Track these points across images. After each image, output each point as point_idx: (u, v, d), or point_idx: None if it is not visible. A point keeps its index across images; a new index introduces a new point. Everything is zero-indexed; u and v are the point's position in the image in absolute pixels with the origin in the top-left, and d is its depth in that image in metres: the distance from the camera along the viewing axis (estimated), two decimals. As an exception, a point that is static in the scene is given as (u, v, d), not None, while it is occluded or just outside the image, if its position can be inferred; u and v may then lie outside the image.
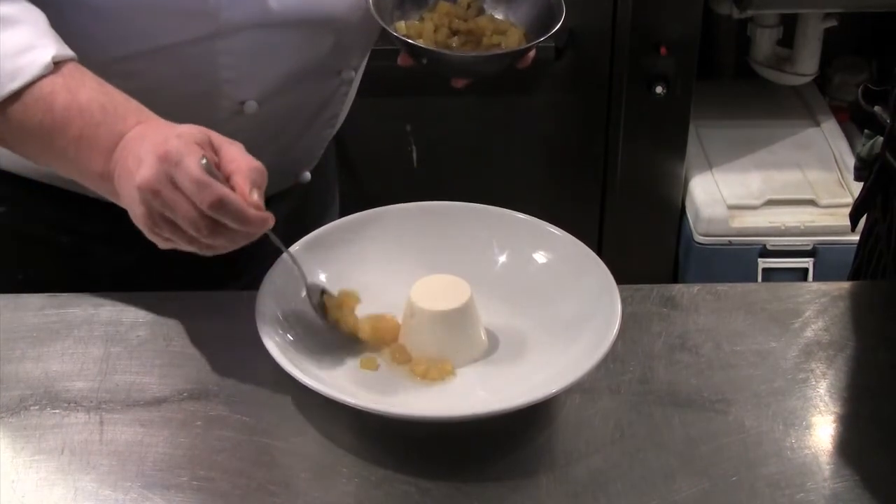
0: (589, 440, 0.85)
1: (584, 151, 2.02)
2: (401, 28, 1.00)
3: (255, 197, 0.80)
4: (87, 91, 0.86)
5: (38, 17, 0.88)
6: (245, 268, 1.06)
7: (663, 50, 1.89)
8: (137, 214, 0.82)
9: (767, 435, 0.86)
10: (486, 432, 0.85)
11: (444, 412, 0.85)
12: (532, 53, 1.00)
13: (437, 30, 1.01)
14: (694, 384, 0.91)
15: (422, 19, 1.02)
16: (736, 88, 2.24)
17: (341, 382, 0.87)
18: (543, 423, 0.87)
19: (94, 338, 0.95)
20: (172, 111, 0.99)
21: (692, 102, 1.96)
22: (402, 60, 1.01)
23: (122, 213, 1.05)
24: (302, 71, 1.01)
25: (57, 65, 0.86)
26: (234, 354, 0.93)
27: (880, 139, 1.18)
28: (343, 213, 1.02)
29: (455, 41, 1.01)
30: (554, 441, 0.86)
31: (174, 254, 1.08)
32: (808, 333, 0.97)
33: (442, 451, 0.85)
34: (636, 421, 0.87)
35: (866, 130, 1.22)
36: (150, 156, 0.79)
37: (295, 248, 0.95)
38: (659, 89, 1.91)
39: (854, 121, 1.24)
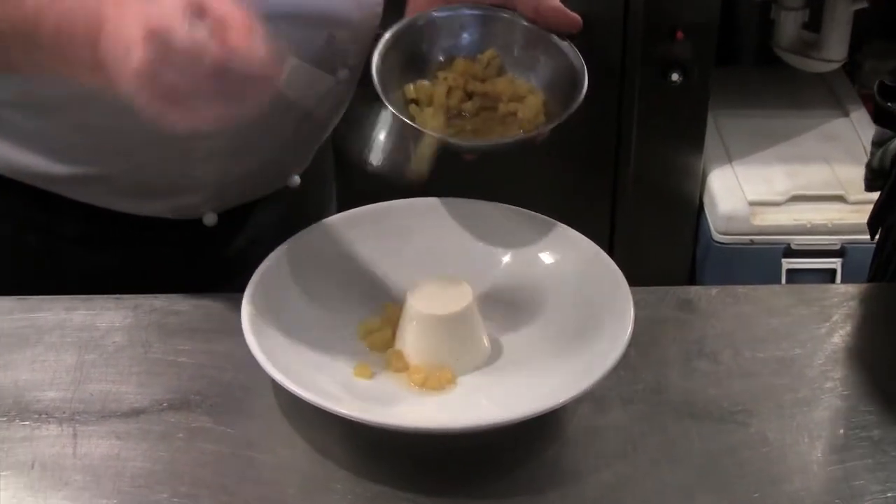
0: (599, 454, 0.86)
1: (595, 144, 2.03)
2: (409, 91, 0.97)
3: (257, 44, 0.79)
4: None
5: None
6: (233, 271, 1.07)
7: (679, 34, 1.89)
8: (142, 105, 0.80)
9: (791, 448, 0.86)
10: (488, 445, 0.86)
11: (443, 424, 0.86)
12: (548, 130, 0.97)
13: (451, 92, 0.97)
14: (712, 394, 0.91)
15: (436, 77, 0.98)
16: (758, 76, 2.25)
17: (333, 391, 0.87)
18: (550, 435, 0.87)
19: (67, 344, 0.95)
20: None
21: (710, 91, 1.96)
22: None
23: (96, 212, 1.06)
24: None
25: None
26: (217, 362, 0.93)
27: (893, 146, 1.19)
28: (341, 209, 1.02)
29: (469, 105, 0.98)
30: (561, 455, 0.86)
31: (156, 256, 1.09)
32: (836, 339, 0.97)
33: (442, 465, 0.85)
34: (650, 434, 0.87)
35: (874, 139, 1.23)
36: (135, 36, 0.77)
37: (282, 249, 0.96)
38: (675, 77, 1.92)
39: (877, 121, 1.25)
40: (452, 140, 0.95)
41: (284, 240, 0.97)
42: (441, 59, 0.99)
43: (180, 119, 0.80)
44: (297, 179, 1.15)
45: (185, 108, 0.79)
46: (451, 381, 0.90)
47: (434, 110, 0.96)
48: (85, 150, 1.02)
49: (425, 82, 0.98)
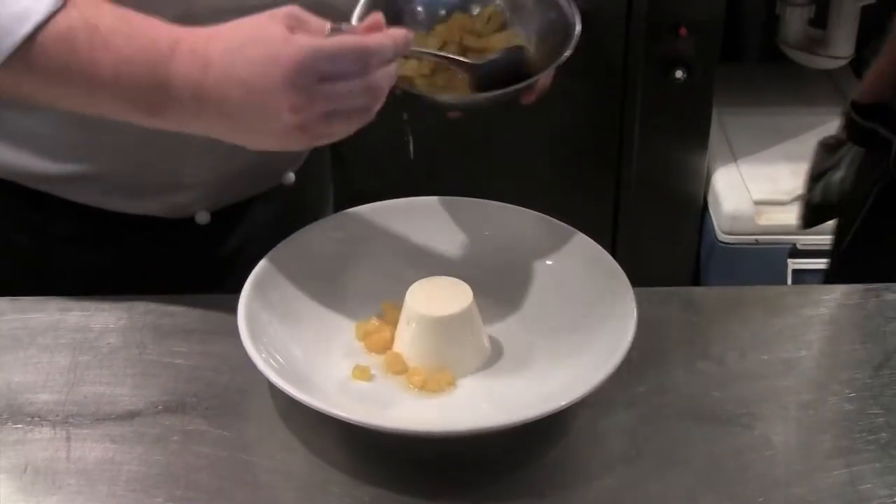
0: (602, 458, 0.86)
1: (597, 142, 2.03)
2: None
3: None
4: (106, 19, 0.84)
5: None
6: (227, 271, 1.07)
7: (683, 31, 1.89)
8: (286, 139, 0.83)
9: (797, 452, 0.86)
10: (489, 449, 0.86)
11: (443, 427, 0.86)
12: (539, 86, 0.96)
13: (445, 45, 0.97)
14: (716, 396, 0.91)
15: (431, 30, 0.99)
16: (763, 73, 2.25)
17: (331, 394, 0.87)
18: (552, 439, 0.87)
19: (61, 345, 0.95)
20: (130, 107, 0.99)
21: (715, 88, 1.96)
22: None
23: (89, 211, 1.05)
24: None
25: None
26: (213, 363, 0.93)
27: (836, 177, 1.20)
28: (336, 209, 1.02)
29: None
30: (563, 459, 0.86)
31: (151, 256, 1.09)
32: (843, 341, 0.97)
33: (441, 469, 0.85)
34: (653, 437, 0.87)
35: (812, 173, 1.24)
36: (280, 77, 0.79)
37: (279, 248, 0.96)
38: (678, 74, 1.92)
39: (854, 140, 1.26)
40: (435, 96, 0.95)
41: (279, 239, 0.97)
42: (442, 12, 1.00)
43: (322, 133, 0.84)
44: (291, 177, 1.15)
45: (330, 121, 0.83)
46: (451, 384, 0.90)
47: (418, 62, 0.96)
48: (77, 149, 1.02)
49: (421, 33, 0.98)
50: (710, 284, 2.05)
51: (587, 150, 2.03)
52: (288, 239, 0.98)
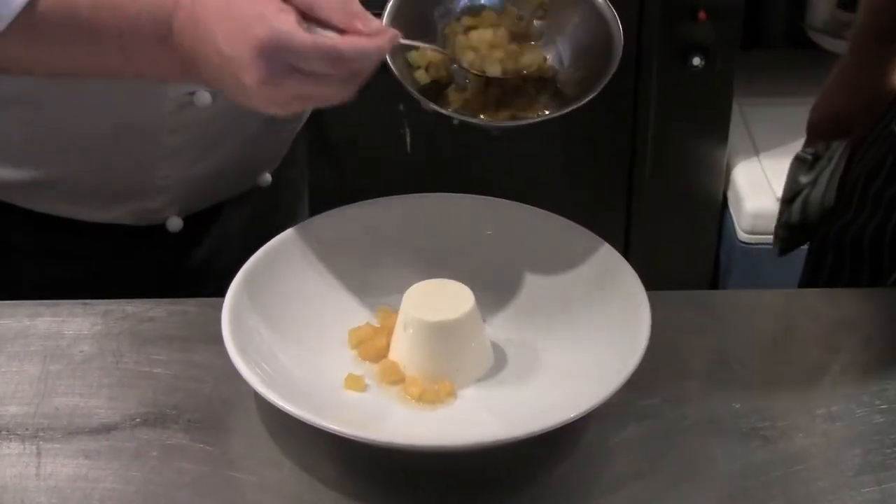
0: (613, 474, 0.86)
1: (608, 135, 2.03)
2: (416, 59, 0.96)
3: (373, 25, 0.85)
4: None
5: None
6: (200, 281, 1.07)
7: (701, 15, 1.89)
8: (259, 107, 0.86)
9: (824, 468, 0.86)
10: (491, 465, 0.86)
11: (441, 441, 0.86)
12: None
13: (471, 54, 0.97)
14: (736, 408, 0.91)
15: (458, 20, 0.99)
16: (788, 60, 2.24)
17: (322, 405, 0.87)
18: (559, 454, 0.87)
19: (31, 353, 0.95)
20: (107, 105, 0.99)
21: (735, 77, 1.96)
22: (424, 105, 0.97)
23: (52, 222, 1.05)
24: None
25: None
26: (195, 373, 0.93)
27: (816, 194, 1.21)
28: (325, 209, 1.03)
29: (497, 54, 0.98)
30: (571, 475, 0.86)
31: (120, 267, 1.09)
32: (873, 348, 0.97)
33: (440, 486, 0.85)
34: (668, 451, 0.87)
35: (785, 195, 1.25)
36: (246, 53, 0.81)
37: (265, 249, 0.96)
38: (696, 61, 1.92)
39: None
40: (475, 121, 0.96)
41: (254, 244, 0.97)
42: (466, 3, 1.00)
43: (296, 108, 0.88)
44: (268, 178, 1.15)
45: (303, 100, 0.85)
46: (451, 395, 0.91)
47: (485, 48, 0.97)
48: (36, 151, 1.02)
49: (456, 30, 0.98)
50: (730, 287, 2.05)
51: (598, 144, 2.03)
52: (276, 238, 0.98)
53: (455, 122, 0.96)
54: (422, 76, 0.96)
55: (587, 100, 0.95)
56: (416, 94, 0.94)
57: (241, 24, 0.81)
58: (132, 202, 1.06)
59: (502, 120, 0.97)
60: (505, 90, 0.97)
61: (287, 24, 0.81)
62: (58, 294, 1.02)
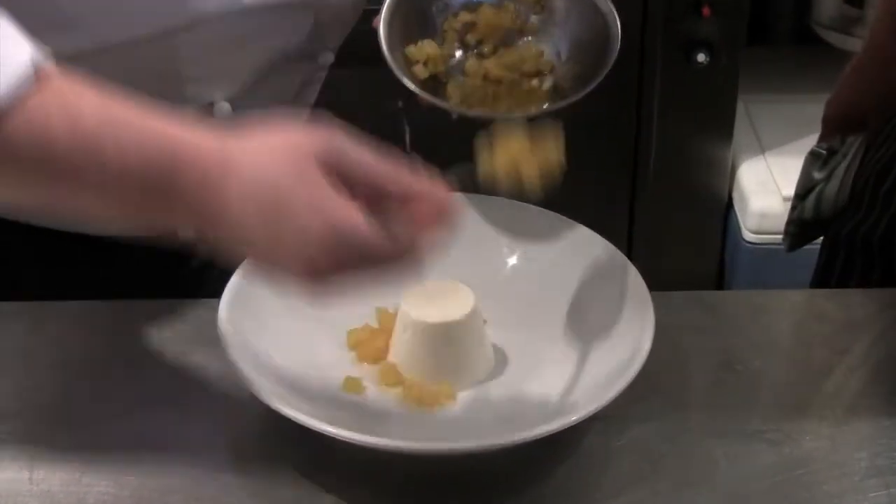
0: (614, 478, 0.86)
1: (611, 133, 2.03)
2: (415, 53, 0.97)
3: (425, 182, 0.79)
4: (89, 115, 0.75)
5: None
6: (205, 279, 1.07)
7: (706, 10, 1.89)
8: (284, 280, 0.79)
9: (830, 472, 0.86)
10: (491, 468, 0.86)
11: (441, 445, 0.86)
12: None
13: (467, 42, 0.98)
14: (741, 410, 0.91)
15: (455, 16, 0.99)
16: (794, 56, 2.25)
17: (319, 408, 0.87)
18: (560, 457, 0.87)
19: (28, 354, 0.95)
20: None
21: (741, 74, 1.96)
22: (420, 99, 0.97)
23: (52, 233, 1.05)
24: (276, 61, 1.02)
25: (38, 73, 0.74)
26: (192, 375, 0.93)
27: (830, 189, 1.21)
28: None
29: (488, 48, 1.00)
30: (573, 479, 0.86)
31: (123, 269, 1.08)
32: (881, 350, 0.97)
33: (439, 490, 0.85)
34: (671, 454, 0.87)
35: (798, 190, 1.25)
36: (314, 226, 0.74)
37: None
38: (700, 58, 1.92)
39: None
40: (476, 114, 0.96)
41: None
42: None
43: (334, 297, 0.79)
44: None
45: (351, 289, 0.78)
46: (451, 398, 0.91)
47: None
48: None
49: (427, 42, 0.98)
50: (735, 288, 2.05)
51: (600, 142, 2.03)
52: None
53: (454, 116, 0.96)
54: (420, 71, 0.96)
55: (585, 93, 0.95)
56: (416, 89, 0.95)
57: (297, 221, 0.74)
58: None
59: (501, 113, 0.96)
60: (503, 86, 0.97)
61: (345, 207, 0.75)
62: (56, 296, 1.02)
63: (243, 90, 1.00)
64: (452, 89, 0.97)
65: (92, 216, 0.81)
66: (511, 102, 0.97)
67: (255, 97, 1.02)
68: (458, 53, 0.99)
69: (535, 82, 0.99)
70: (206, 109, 0.99)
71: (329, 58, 1.08)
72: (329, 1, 1.01)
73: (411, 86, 0.95)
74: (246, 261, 0.84)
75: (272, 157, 0.75)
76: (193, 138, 0.76)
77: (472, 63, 0.98)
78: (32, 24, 0.78)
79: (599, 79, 0.96)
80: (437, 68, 0.97)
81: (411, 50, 0.97)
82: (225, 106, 0.99)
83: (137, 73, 0.92)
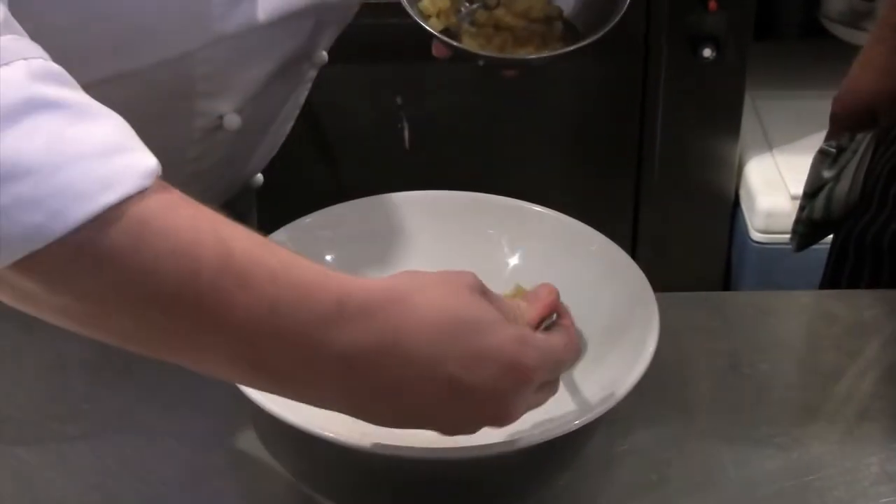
0: (619, 484, 0.86)
1: (615, 130, 2.03)
2: (428, 7, 0.99)
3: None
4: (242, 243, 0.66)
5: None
6: None
7: (712, 4, 1.89)
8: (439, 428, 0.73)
9: (840, 477, 0.86)
10: (493, 474, 0.86)
11: (441, 451, 0.86)
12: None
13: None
14: (748, 415, 0.91)
15: None
16: (802, 51, 2.25)
17: (317, 413, 0.87)
18: (564, 462, 0.87)
19: (23, 356, 0.95)
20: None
21: (748, 69, 1.96)
22: (437, 51, 0.99)
23: None
24: (279, 67, 1.02)
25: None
26: (187, 379, 0.93)
27: (840, 188, 1.21)
28: (319, 206, 1.03)
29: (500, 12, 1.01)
30: (576, 485, 0.86)
31: None
32: (892, 352, 0.97)
33: (438, 497, 0.85)
34: (677, 460, 0.87)
35: (806, 189, 1.25)
36: (507, 387, 0.70)
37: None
38: (707, 53, 1.92)
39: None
40: (498, 56, 0.99)
41: None
42: None
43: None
44: (260, 178, 1.16)
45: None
46: (451, 401, 0.90)
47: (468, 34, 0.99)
48: None
49: None
50: (742, 289, 2.05)
51: (604, 139, 2.04)
52: (269, 237, 0.97)
53: (480, 62, 0.98)
54: (434, 24, 0.98)
55: (601, 34, 0.96)
56: (440, 36, 0.96)
57: (501, 354, 0.70)
58: None
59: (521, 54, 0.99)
60: (515, 34, 1.00)
61: (532, 333, 0.74)
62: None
63: (249, 99, 1.01)
64: (468, 41, 0.99)
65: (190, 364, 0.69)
66: (530, 47, 0.99)
67: (258, 105, 1.02)
68: (466, 6, 1.01)
69: (545, 27, 1.01)
70: (216, 122, 0.99)
71: (323, 57, 1.08)
72: (332, 3, 1.02)
73: (436, 32, 0.96)
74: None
75: (441, 291, 0.70)
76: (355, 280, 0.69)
77: (481, 14, 1.00)
78: (59, 56, 0.77)
79: (617, 18, 0.97)
80: (449, 20, 0.99)
81: (425, 4, 0.99)
82: (235, 118, 1.00)
83: (151, 91, 0.93)
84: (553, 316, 0.80)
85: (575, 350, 0.78)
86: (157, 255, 0.62)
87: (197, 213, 0.65)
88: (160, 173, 0.65)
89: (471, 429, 0.73)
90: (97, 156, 0.61)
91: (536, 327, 0.77)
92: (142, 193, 0.62)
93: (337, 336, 0.66)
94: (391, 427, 0.73)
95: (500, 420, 0.72)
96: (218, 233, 0.65)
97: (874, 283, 1.18)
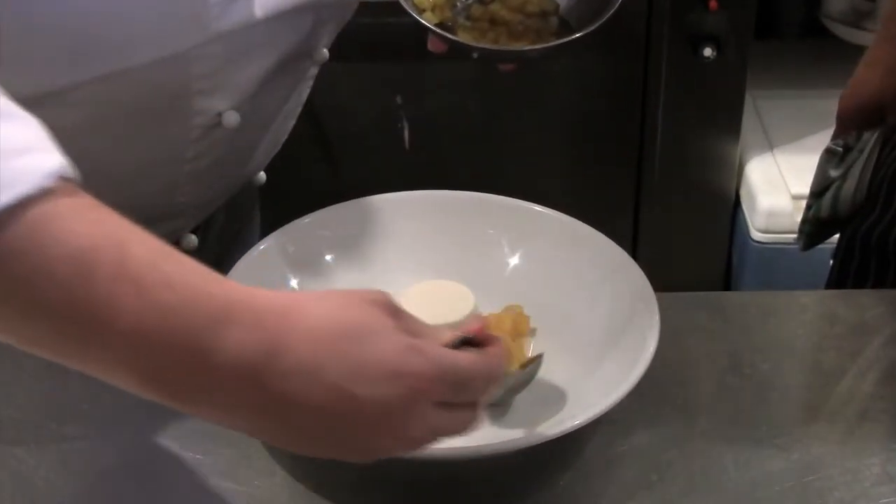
0: (620, 484, 0.86)
1: (615, 129, 2.03)
2: (424, 1, 0.99)
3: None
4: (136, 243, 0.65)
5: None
6: None
7: (713, 4, 1.89)
8: (357, 455, 0.71)
9: (840, 478, 0.86)
10: (492, 474, 0.86)
11: (441, 450, 0.86)
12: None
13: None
14: (749, 415, 0.91)
15: None
16: (803, 50, 2.25)
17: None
18: (564, 462, 0.87)
19: (20, 357, 0.95)
20: (128, 146, 0.98)
21: (749, 68, 1.96)
22: (433, 46, 0.99)
23: None
24: (278, 64, 1.02)
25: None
26: (183, 379, 0.93)
27: (847, 187, 1.21)
28: (319, 206, 1.03)
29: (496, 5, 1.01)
30: (576, 485, 0.86)
31: None
32: (894, 351, 0.97)
33: (438, 497, 0.85)
34: (678, 460, 0.87)
35: (813, 188, 1.25)
36: (394, 396, 0.66)
37: (255, 251, 0.96)
38: (708, 52, 1.92)
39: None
40: (494, 48, 0.98)
41: (226, 248, 0.96)
42: None
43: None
44: (263, 176, 1.16)
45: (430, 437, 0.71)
46: (451, 401, 0.91)
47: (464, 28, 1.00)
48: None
49: None
50: (743, 289, 2.05)
51: (604, 138, 2.04)
52: (268, 238, 0.98)
53: (474, 55, 0.97)
54: (429, 17, 0.98)
55: (596, 26, 0.96)
56: (435, 29, 0.96)
57: (384, 357, 0.66)
58: (157, 226, 1.06)
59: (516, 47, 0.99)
60: (510, 29, 1.00)
61: (431, 344, 0.69)
62: None
63: (248, 97, 1.01)
64: (463, 34, 0.99)
65: (93, 371, 0.67)
66: (524, 42, 0.99)
67: (258, 102, 1.02)
68: (461, 1, 1.01)
69: (541, 21, 1.01)
70: (214, 120, 0.99)
71: (324, 55, 1.08)
72: (332, 0, 1.02)
73: (430, 25, 0.96)
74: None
75: (335, 303, 0.68)
76: (252, 289, 0.67)
77: (476, 8, 1.00)
78: (54, 53, 0.76)
79: (611, 12, 0.97)
80: (444, 14, 0.99)
81: None
82: (233, 115, 1.00)
83: (148, 89, 0.93)
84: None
85: (487, 373, 0.70)
86: (51, 259, 0.60)
87: (100, 218, 0.64)
88: (69, 175, 0.64)
89: (371, 450, 0.69)
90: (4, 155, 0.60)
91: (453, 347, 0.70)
92: (44, 196, 0.61)
93: (224, 342, 0.63)
94: (295, 451, 0.70)
95: (399, 440, 0.68)
96: (117, 238, 0.63)
97: (880, 283, 1.18)
